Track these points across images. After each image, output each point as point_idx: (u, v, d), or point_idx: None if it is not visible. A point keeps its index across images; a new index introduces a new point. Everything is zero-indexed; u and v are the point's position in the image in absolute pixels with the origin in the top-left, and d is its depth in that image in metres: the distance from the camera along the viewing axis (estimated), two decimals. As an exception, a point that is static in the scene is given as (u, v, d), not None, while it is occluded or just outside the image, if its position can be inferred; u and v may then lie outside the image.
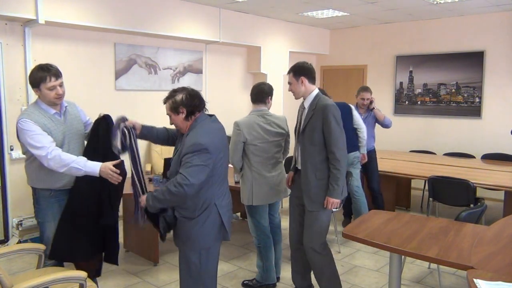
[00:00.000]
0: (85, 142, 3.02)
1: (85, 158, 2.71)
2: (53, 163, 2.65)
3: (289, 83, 3.16)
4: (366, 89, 5.27)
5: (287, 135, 3.56)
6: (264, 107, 3.48)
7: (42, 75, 2.72)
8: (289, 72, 3.16)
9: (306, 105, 3.12)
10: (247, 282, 3.73)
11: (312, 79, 3.12)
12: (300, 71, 3.11)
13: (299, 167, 3.18)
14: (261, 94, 3.46)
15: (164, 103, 2.58)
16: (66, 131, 2.86)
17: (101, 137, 2.84)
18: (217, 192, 2.56)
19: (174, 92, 2.55)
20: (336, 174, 2.97)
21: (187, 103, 2.50)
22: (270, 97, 3.51)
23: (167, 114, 2.58)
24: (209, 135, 2.47)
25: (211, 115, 2.66)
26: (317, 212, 3.08)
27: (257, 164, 3.41)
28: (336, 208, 3.09)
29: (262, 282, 3.63)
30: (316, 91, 3.12)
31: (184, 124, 2.55)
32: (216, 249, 2.66)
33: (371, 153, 5.13)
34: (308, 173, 3.07)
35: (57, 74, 2.77)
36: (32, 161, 2.81)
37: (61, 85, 2.79)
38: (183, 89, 2.56)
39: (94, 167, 2.67)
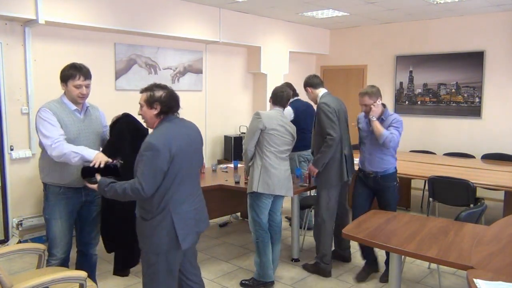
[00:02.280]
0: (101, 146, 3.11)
1: (84, 147, 2.80)
2: (55, 153, 2.75)
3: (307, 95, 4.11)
4: (362, 92, 3.74)
5: (294, 140, 3.73)
6: (282, 109, 3.71)
7: (73, 73, 2.88)
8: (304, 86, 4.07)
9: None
10: (245, 282, 3.73)
11: (315, 85, 3.99)
12: (304, 85, 4.05)
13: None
14: (284, 99, 3.70)
15: (141, 92, 2.55)
16: (82, 129, 2.94)
17: (128, 142, 2.92)
18: (173, 197, 2.43)
19: (155, 87, 2.53)
20: (322, 150, 3.75)
21: (164, 102, 2.48)
22: (288, 102, 3.80)
23: (140, 103, 2.54)
24: (165, 136, 2.40)
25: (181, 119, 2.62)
26: (320, 189, 3.91)
27: (269, 153, 3.53)
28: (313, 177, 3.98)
29: (260, 280, 3.63)
30: (320, 93, 3.94)
31: (153, 120, 2.52)
32: (175, 256, 2.50)
33: (385, 178, 3.75)
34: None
35: (87, 75, 2.89)
36: (45, 154, 2.88)
37: (87, 86, 2.90)
38: (165, 87, 2.54)
39: (90, 153, 2.75)
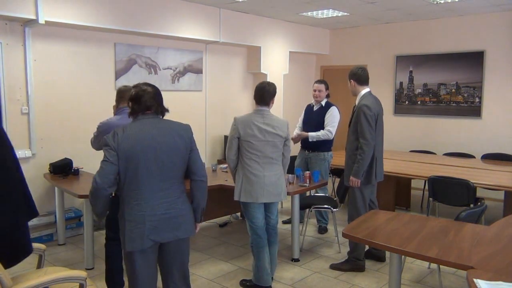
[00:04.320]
0: None
1: None
2: None
3: (350, 86, 3.98)
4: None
5: (285, 139, 3.49)
6: (266, 108, 3.47)
7: None
8: (349, 78, 3.95)
9: (356, 102, 3.91)
10: (244, 281, 3.71)
11: (360, 82, 3.90)
12: (350, 75, 3.93)
13: None
14: (265, 95, 3.45)
15: None
16: None
17: None
18: (125, 197, 2.42)
19: (139, 84, 2.53)
20: (358, 159, 3.77)
21: (131, 102, 2.48)
22: (273, 98, 3.51)
23: None
24: (116, 135, 2.37)
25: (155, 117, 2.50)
26: (352, 189, 3.90)
27: (249, 161, 3.39)
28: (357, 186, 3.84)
29: (257, 284, 3.57)
30: (363, 92, 3.88)
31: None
32: (136, 258, 2.43)
33: None
34: (347, 158, 3.96)
35: None
36: None
37: None
38: (136, 86, 2.52)
39: None
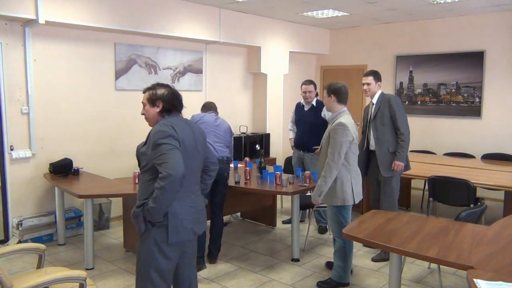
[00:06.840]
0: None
1: None
2: None
3: (368, 83, 4.18)
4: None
5: None
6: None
7: None
8: (369, 75, 4.20)
9: (374, 101, 4.20)
10: (321, 284, 3.69)
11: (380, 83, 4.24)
12: (379, 78, 4.22)
13: (372, 148, 4.22)
14: (347, 94, 3.58)
15: (144, 92, 2.59)
16: None
17: None
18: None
19: (157, 85, 2.56)
20: (401, 144, 4.02)
21: (166, 99, 2.49)
22: None
23: (142, 102, 2.56)
24: (172, 125, 2.39)
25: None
26: (390, 178, 4.09)
27: (354, 162, 3.50)
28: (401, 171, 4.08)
29: (339, 282, 3.64)
30: (380, 90, 4.22)
31: (155, 119, 2.51)
32: (168, 252, 2.43)
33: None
34: (380, 149, 4.12)
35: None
36: None
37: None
38: (167, 86, 2.56)
39: None
